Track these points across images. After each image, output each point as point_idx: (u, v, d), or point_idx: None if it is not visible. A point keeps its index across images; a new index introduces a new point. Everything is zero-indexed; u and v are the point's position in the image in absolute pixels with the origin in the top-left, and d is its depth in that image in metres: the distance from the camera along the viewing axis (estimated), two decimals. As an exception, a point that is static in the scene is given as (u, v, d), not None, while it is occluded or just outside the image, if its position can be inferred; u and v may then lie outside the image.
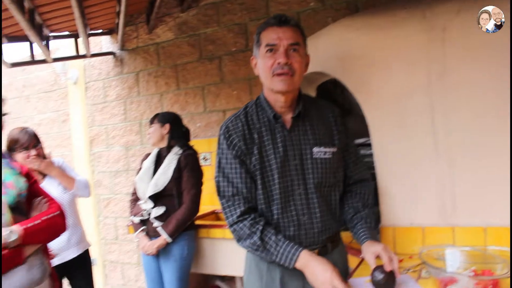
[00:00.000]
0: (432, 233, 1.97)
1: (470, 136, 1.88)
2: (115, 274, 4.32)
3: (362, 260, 1.81)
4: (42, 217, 1.59)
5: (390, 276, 1.38)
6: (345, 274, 1.58)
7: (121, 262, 4.26)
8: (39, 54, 3.63)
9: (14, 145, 2.39)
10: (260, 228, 1.43)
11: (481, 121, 1.86)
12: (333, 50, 2.21)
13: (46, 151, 2.58)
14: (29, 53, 3.56)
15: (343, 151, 1.57)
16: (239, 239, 1.49)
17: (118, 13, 3.28)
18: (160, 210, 2.61)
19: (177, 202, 2.62)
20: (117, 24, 3.47)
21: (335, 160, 1.52)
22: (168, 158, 2.68)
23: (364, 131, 2.20)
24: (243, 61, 3.28)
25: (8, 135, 2.41)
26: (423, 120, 1.97)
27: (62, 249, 2.50)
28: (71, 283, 2.64)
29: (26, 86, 4.78)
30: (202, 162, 2.93)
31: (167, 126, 2.72)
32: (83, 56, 3.85)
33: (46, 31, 3.36)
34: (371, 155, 2.15)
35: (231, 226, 1.49)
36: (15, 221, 1.51)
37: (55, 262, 2.39)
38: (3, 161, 1.60)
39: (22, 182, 1.60)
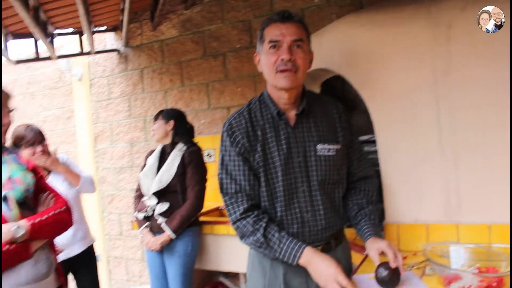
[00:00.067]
0: (436, 230, 1.97)
1: (475, 133, 1.88)
2: (119, 269, 4.34)
3: (366, 256, 1.81)
4: (49, 213, 1.60)
5: (395, 273, 1.38)
6: (348, 270, 1.58)
7: (125, 258, 4.28)
8: (44, 51, 3.64)
9: (19, 142, 2.40)
10: (264, 225, 1.42)
11: (486, 118, 1.86)
12: (338, 47, 2.21)
13: (51, 147, 2.59)
14: (34, 50, 3.58)
15: (347, 148, 1.56)
16: (242, 236, 1.48)
17: (122, 10, 3.28)
18: (164, 206, 2.62)
19: (181, 198, 2.63)
20: (122, 21, 3.47)
21: (339, 157, 1.51)
22: (172, 154, 2.68)
23: (368, 128, 2.20)
24: (247, 58, 3.28)
25: (13, 131, 2.42)
26: (428, 117, 1.97)
27: (67, 245, 2.52)
28: (76, 278, 2.66)
29: (31, 83, 4.80)
30: (206, 159, 2.93)
31: (172, 122, 2.72)
32: (88, 53, 3.85)
33: (50, 28, 3.37)
34: (375, 152, 2.15)
35: (234, 223, 1.49)
36: (23, 216, 1.52)
37: (61, 257, 2.40)
38: (10, 156, 1.61)
39: (29, 178, 1.61)
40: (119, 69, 4.05)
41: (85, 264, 2.65)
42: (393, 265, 1.36)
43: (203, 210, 2.75)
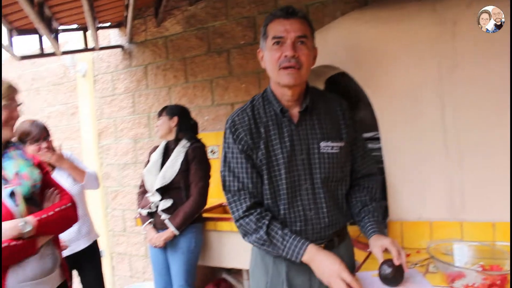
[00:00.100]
0: (440, 228, 1.96)
1: (480, 131, 1.87)
2: (122, 266, 4.35)
3: (370, 254, 1.81)
4: (55, 209, 1.61)
5: (398, 270, 1.37)
6: (351, 268, 1.58)
7: (128, 254, 4.29)
8: (48, 47, 3.65)
9: (25, 138, 2.40)
10: (266, 222, 1.42)
11: (491, 116, 1.85)
12: (342, 43, 2.20)
13: (55, 143, 2.60)
14: (38, 46, 3.58)
15: (351, 145, 1.55)
16: (245, 234, 1.48)
17: (126, 6, 3.28)
18: (168, 202, 2.62)
19: (184, 195, 2.63)
20: (126, 17, 3.47)
21: (343, 155, 1.50)
22: (176, 151, 2.69)
23: (372, 125, 2.19)
24: (252, 54, 3.27)
25: (18, 127, 2.42)
26: (432, 115, 1.96)
27: (72, 240, 2.53)
28: (80, 273, 2.67)
29: (36, 79, 4.81)
30: (209, 155, 2.93)
31: (175, 119, 2.73)
32: (92, 49, 3.86)
33: (55, 24, 3.37)
34: (379, 149, 2.15)
35: (237, 221, 1.48)
36: (29, 212, 1.53)
37: (66, 253, 2.42)
38: (17, 152, 1.62)
39: (36, 174, 1.62)
40: (123, 65, 4.05)
41: (89, 259, 2.66)
42: (396, 262, 1.36)
43: (207, 206, 2.76)
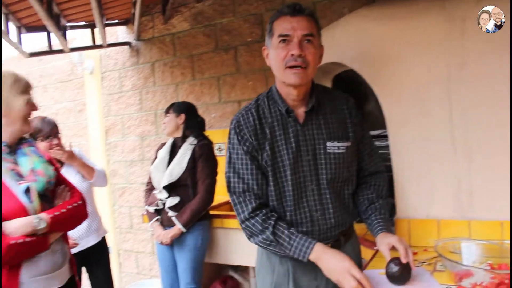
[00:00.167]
0: (447, 226, 1.95)
1: (488, 129, 1.86)
2: (129, 262, 4.38)
3: (377, 252, 1.81)
4: (67, 206, 1.63)
5: (405, 268, 1.37)
6: (358, 266, 1.57)
7: (135, 251, 4.31)
8: (56, 44, 3.66)
9: (36, 134, 2.41)
10: (272, 223, 1.41)
11: (499, 115, 1.83)
12: (350, 41, 2.19)
13: (63, 140, 2.61)
14: (46, 43, 3.60)
15: (358, 143, 1.53)
16: (251, 235, 1.46)
17: (134, 3, 3.29)
18: (175, 200, 2.63)
19: (191, 192, 2.64)
20: (133, 14, 3.48)
21: (349, 155, 1.49)
22: (183, 148, 2.69)
23: (380, 122, 2.18)
24: (259, 52, 3.26)
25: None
26: (441, 113, 1.95)
27: (82, 237, 2.54)
28: (88, 269, 2.68)
29: (43, 76, 4.84)
30: (216, 153, 2.93)
31: (182, 116, 2.73)
32: (100, 46, 3.87)
33: (63, 21, 3.39)
34: (386, 146, 2.14)
35: (242, 222, 1.46)
36: (42, 209, 1.54)
37: (76, 249, 2.43)
38: (31, 148, 1.64)
39: (51, 170, 1.64)
40: (130, 62, 4.06)
41: (98, 255, 2.68)
42: (404, 260, 1.35)
43: (213, 204, 2.76)
